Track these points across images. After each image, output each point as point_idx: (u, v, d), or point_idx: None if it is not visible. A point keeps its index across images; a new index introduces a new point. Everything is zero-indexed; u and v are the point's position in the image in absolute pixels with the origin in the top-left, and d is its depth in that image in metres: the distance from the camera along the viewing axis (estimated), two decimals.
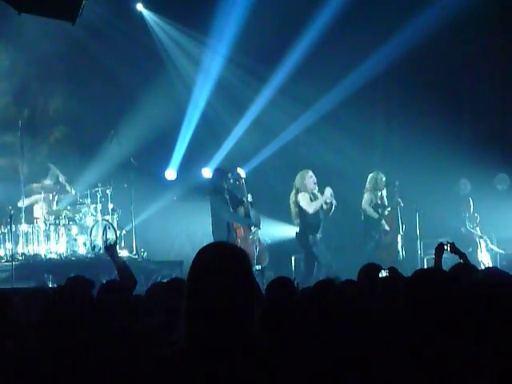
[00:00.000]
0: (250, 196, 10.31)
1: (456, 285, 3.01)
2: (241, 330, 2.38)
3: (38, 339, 3.38)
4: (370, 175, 11.12)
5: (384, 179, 11.03)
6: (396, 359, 2.95)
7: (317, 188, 10.44)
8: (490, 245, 11.63)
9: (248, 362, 2.35)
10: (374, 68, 12.78)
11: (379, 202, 11.02)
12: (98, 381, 3.30)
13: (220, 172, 10.39)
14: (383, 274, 4.76)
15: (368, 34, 12.53)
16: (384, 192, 11.08)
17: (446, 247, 5.91)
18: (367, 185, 11.08)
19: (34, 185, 11.68)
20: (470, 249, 11.46)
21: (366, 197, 11.01)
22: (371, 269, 4.94)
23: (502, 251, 11.70)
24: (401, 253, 11.04)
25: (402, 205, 11.09)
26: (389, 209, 11.07)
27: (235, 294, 2.38)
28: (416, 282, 3.07)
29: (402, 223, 11.15)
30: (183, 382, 2.34)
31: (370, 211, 10.94)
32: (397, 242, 11.02)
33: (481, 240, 11.51)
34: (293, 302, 3.60)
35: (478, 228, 11.66)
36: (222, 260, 2.43)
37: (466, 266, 5.01)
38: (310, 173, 10.51)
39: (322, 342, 3.43)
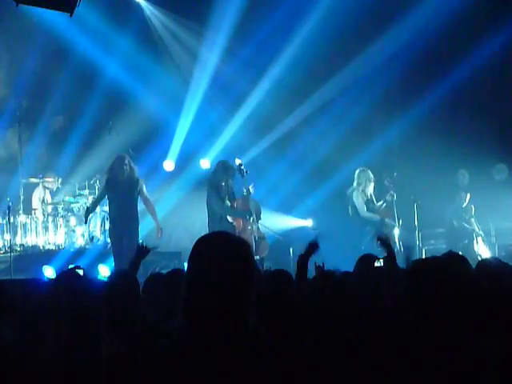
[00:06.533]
0: (251, 187, 10.30)
1: (455, 275, 2.94)
2: (239, 318, 2.40)
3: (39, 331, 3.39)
4: (357, 172, 10.90)
5: (371, 175, 10.88)
6: (395, 348, 2.95)
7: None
8: (479, 231, 11.56)
9: (246, 350, 2.37)
10: (373, 58, 12.76)
11: (369, 198, 10.92)
12: (97, 372, 3.30)
13: (223, 166, 10.31)
14: (378, 263, 4.77)
15: (367, 24, 12.51)
16: (371, 188, 10.93)
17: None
18: (356, 182, 10.85)
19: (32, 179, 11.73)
20: (466, 241, 11.48)
21: (358, 202, 10.76)
22: (368, 259, 4.95)
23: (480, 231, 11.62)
24: (397, 245, 11.02)
25: (396, 198, 11.00)
26: (383, 202, 11.01)
27: (234, 282, 2.40)
28: (416, 272, 2.99)
29: (399, 216, 11.11)
30: (182, 373, 2.36)
31: (369, 216, 10.82)
32: (393, 235, 10.99)
33: (475, 233, 11.50)
34: (288, 295, 3.61)
35: (472, 220, 11.65)
36: (222, 248, 2.46)
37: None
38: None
39: (320, 335, 3.44)
